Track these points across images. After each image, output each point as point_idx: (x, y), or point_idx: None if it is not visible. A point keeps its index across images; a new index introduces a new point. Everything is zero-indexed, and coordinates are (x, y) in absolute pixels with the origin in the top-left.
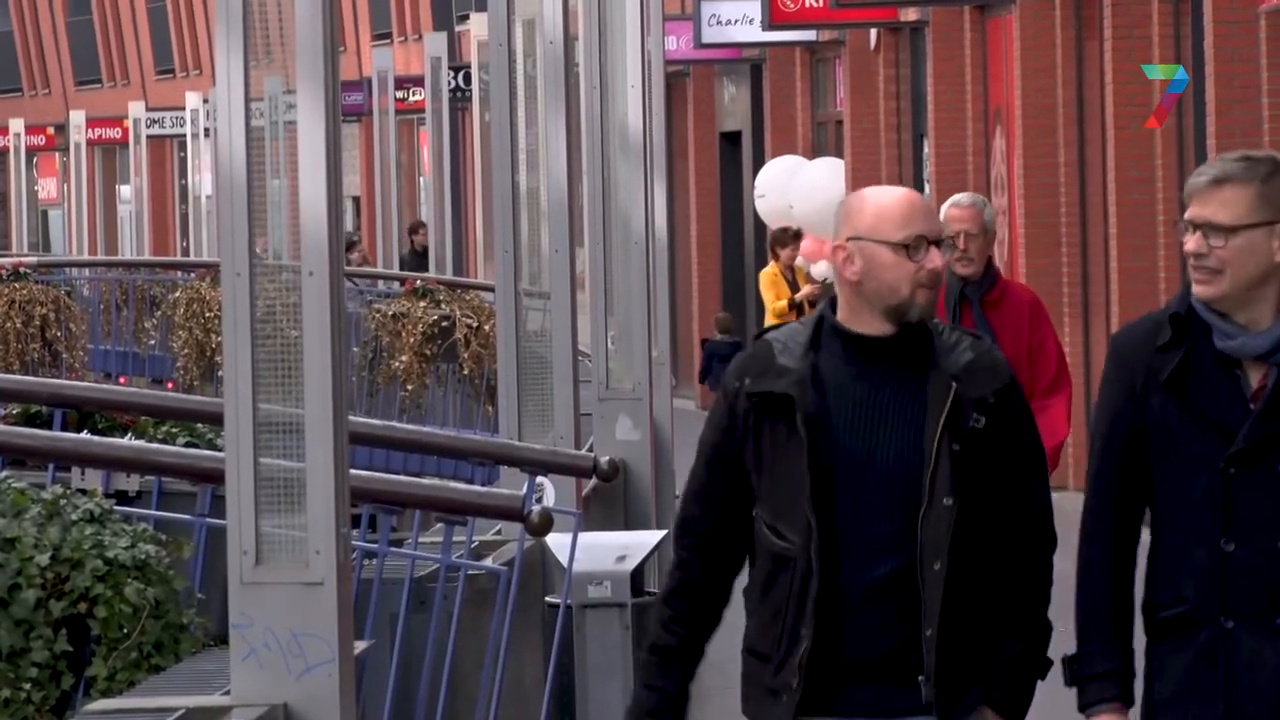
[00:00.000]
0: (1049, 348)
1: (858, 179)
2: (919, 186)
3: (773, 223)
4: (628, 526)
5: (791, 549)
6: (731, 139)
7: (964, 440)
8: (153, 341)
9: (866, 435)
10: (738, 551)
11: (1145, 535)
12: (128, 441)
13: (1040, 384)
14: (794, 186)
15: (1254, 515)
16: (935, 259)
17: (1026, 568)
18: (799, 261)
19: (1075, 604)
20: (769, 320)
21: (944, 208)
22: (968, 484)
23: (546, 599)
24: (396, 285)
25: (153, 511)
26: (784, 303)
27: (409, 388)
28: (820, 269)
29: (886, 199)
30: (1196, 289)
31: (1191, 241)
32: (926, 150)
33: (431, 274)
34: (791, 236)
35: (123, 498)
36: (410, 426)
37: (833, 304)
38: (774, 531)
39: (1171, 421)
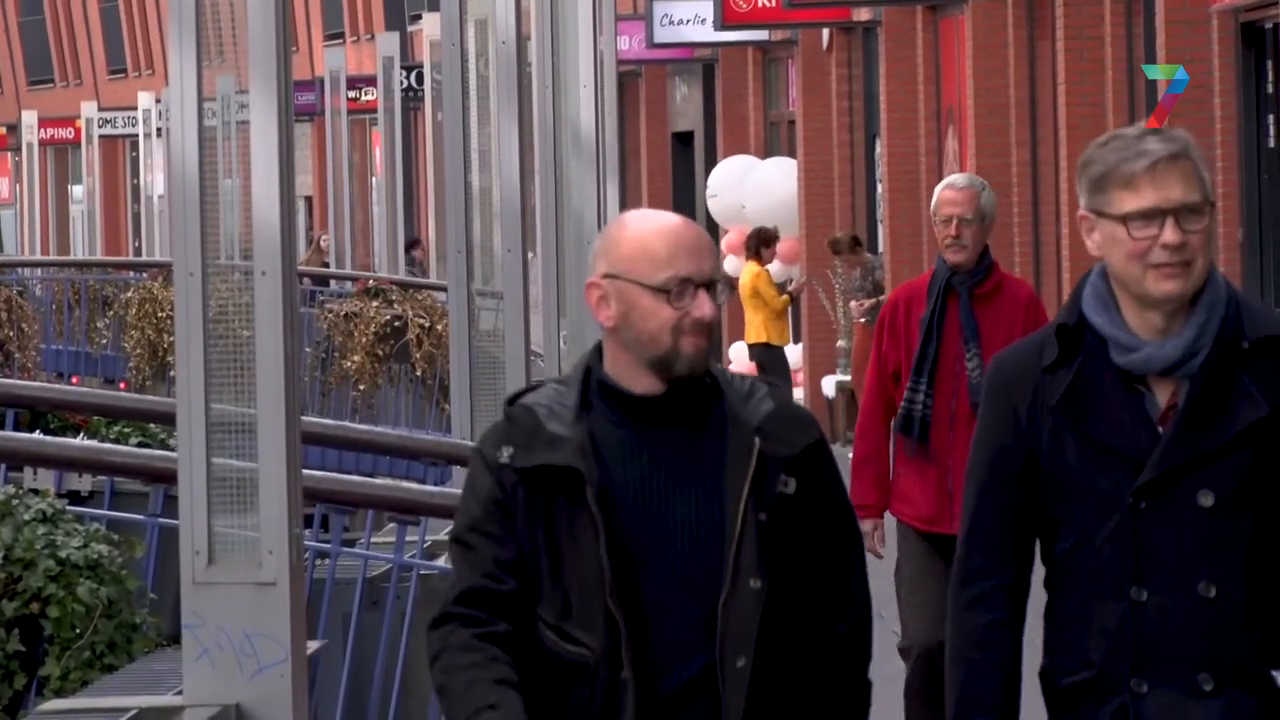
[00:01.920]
0: None
1: (810, 179)
2: (869, 186)
3: (725, 223)
4: None
5: (589, 655)
6: (684, 139)
7: (771, 508)
8: (105, 341)
9: (659, 510)
10: (520, 644)
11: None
12: (80, 441)
13: None
14: (747, 186)
15: (1169, 557)
16: (704, 306)
17: (840, 664)
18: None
19: (949, 680)
20: (760, 321)
21: (938, 189)
22: (777, 561)
23: None
24: (349, 285)
25: (105, 511)
26: (785, 298)
27: (361, 388)
28: (779, 270)
29: (647, 231)
30: (1167, 285)
31: (1170, 231)
32: (879, 150)
33: (388, 275)
34: (762, 238)
35: (75, 498)
36: (363, 426)
37: (599, 352)
38: (562, 634)
39: (1067, 453)
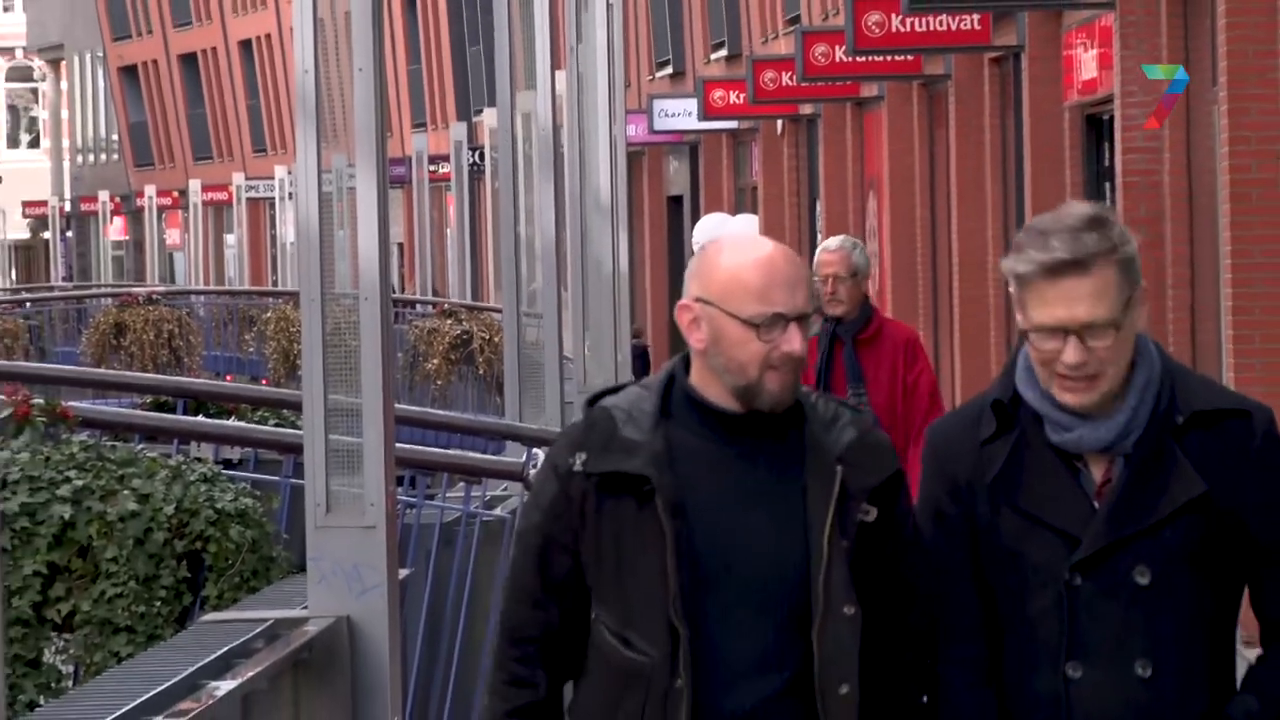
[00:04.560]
0: (921, 386)
1: (768, 229)
2: (811, 238)
3: None
4: None
5: (646, 664)
6: (676, 200)
7: (853, 537)
8: (251, 349)
9: (737, 525)
10: (578, 660)
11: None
12: (232, 423)
13: (914, 425)
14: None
15: (1104, 634)
16: (793, 340)
17: (907, 693)
18: None
19: None
20: None
21: (817, 251)
22: (863, 589)
23: None
24: (429, 308)
25: (250, 474)
26: None
27: (438, 383)
28: None
29: (743, 261)
30: (1070, 399)
31: (1073, 352)
32: (819, 209)
33: (459, 301)
34: None
35: (228, 464)
36: (439, 412)
37: (686, 362)
38: (622, 641)
39: (1003, 525)
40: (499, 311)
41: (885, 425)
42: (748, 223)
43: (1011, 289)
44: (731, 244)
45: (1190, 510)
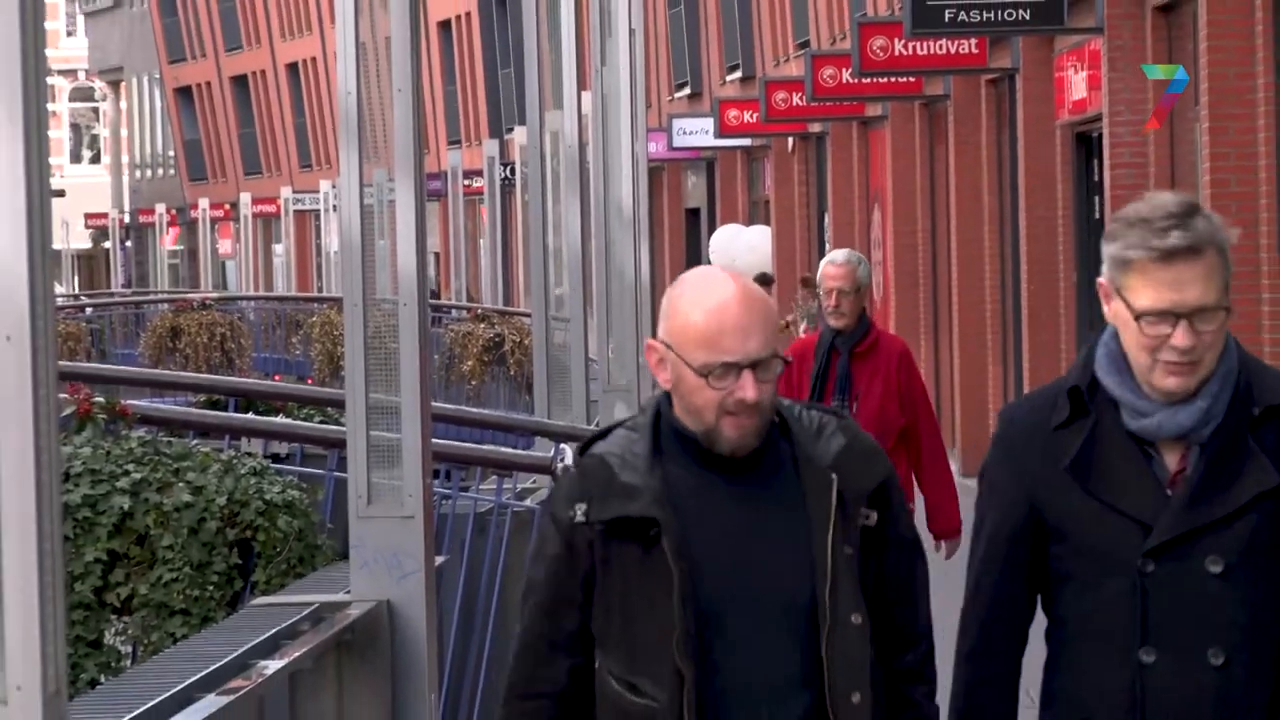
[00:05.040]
0: (918, 396)
1: (780, 239)
2: (820, 248)
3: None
4: None
5: (655, 707)
6: (693, 213)
7: (856, 543)
8: (297, 351)
9: (740, 555)
10: (589, 712)
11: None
12: (280, 420)
13: (923, 429)
14: (736, 245)
15: (1178, 620)
16: (746, 388)
17: (912, 695)
18: None
19: None
20: None
21: (823, 264)
22: (868, 596)
23: None
24: (464, 312)
25: (297, 468)
26: (782, 324)
27: (472, 383)
28: None
29: (696, 307)
30: (1172, 382)
31: (1183, 335)
32: (827, 221)
33: (492, 306)
34: (765, 279)
35: (276, 458)
36: (473, 409)
37: (669, 396)
38: (629, 687)
39: (1075, 512)
40: (529, 316)
41: (874, 434)
42: (761, 234)
43: (1105, 277)
44: (692, 285)
45: (1264, 501)
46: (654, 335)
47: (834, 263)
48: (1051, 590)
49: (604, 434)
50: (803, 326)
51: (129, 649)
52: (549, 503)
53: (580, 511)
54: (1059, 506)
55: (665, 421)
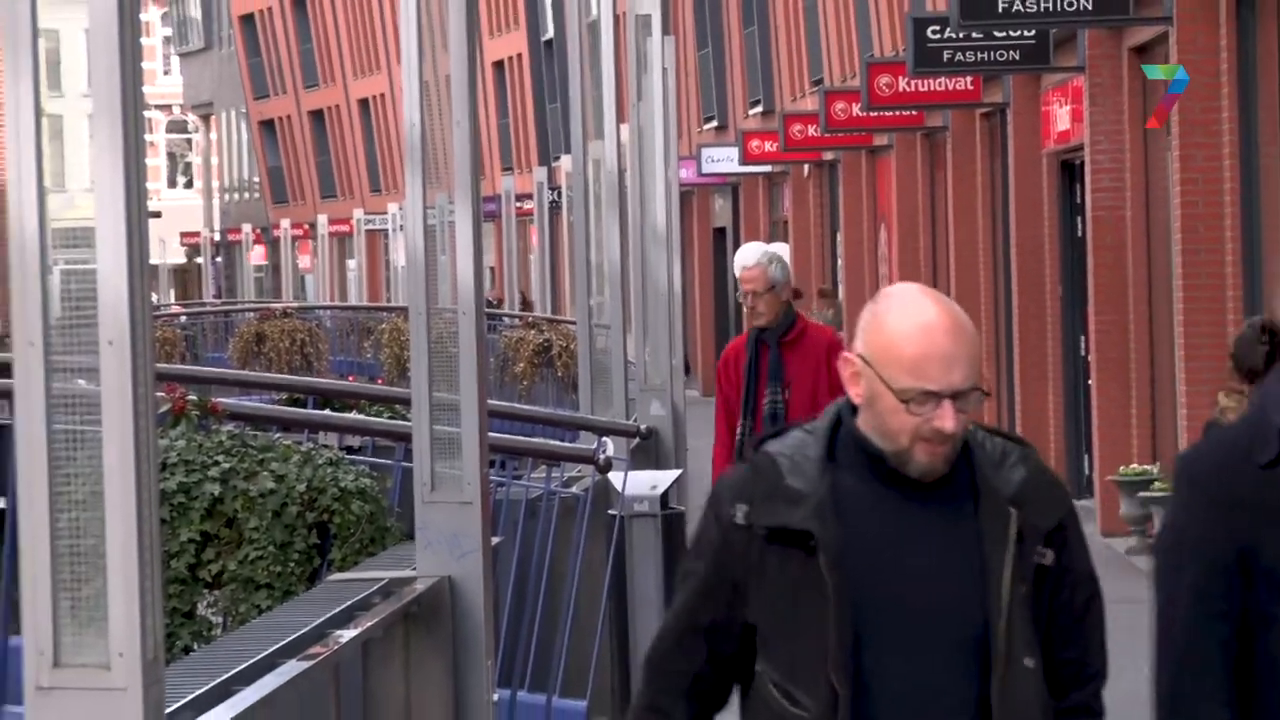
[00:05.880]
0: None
1: (798, 255)
2: (833, 263)
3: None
4: (657, 468)
5: (807, 718)
6: (720, 232)
7: (1030, 579)
8: (369, 355)
9: (904, 576)
10: (720, 699)
11: None
12: (353, 415)
13: None
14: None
15: None
16: (946, 418)
17: None
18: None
19: None
20: None
21: (737, 268)
22: (1039, 631)
23: (608, 512)
24: (517, 321)
25: (368, 458)
26: None
27: (524, 383)
28: None
29: (902, 329)
30: None
31: None
32: (838, 239)
33: (541, 314)
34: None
35: (350, 450)
36: (525, 406)
37: (852, 406)
38: (785, 695)
39: None
40: (574, 323)
41: (806, 418)
42: (781, 250)
43: None
44: (900, 305)
45: None
46: (850, 349)
47: (745, 266)
48: (1254, 629)
49: (780, 432)
50: None
51: (219, 619)
52: (712, 496)
53: (741, 514)
54: (1272, 543)
55: (845, 429)
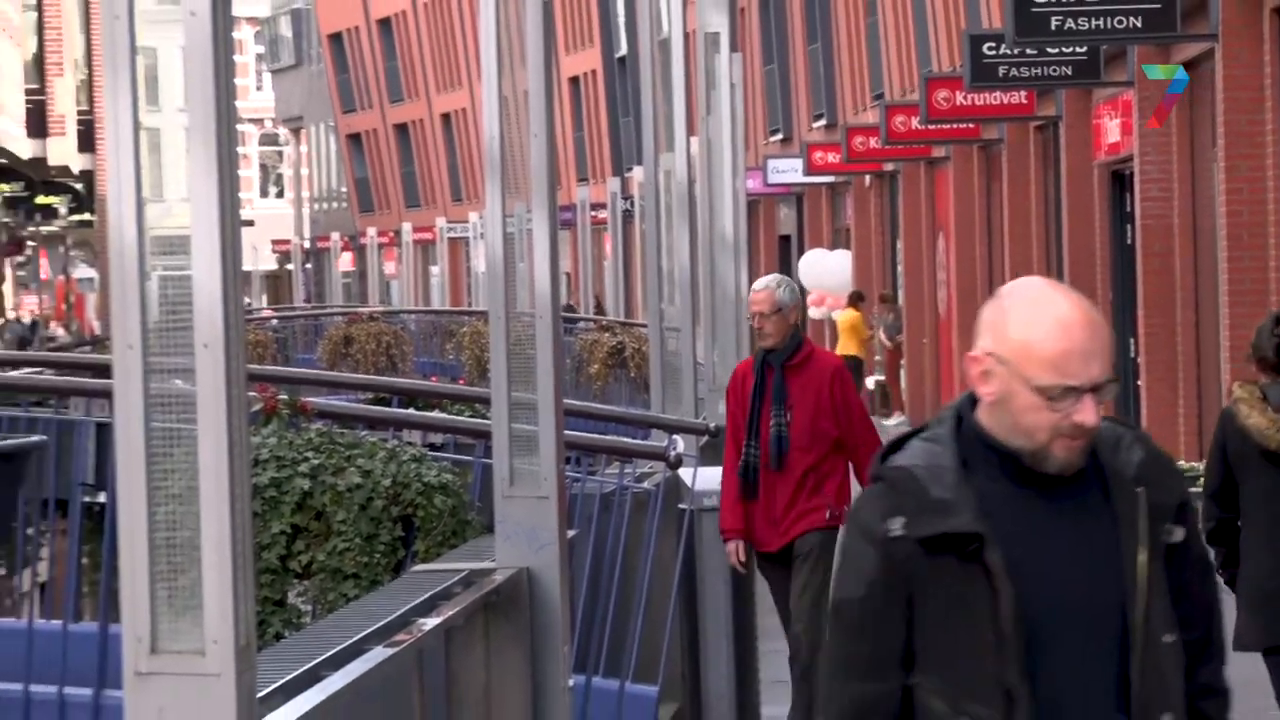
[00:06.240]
0: (854, 410)
1: (859, 262)
2: (893, 271)
3: (810, 288)
4: None
5: None
6: (785, 239)
7: (1163, 558)
8: (451, 356)
9: (1060, 571)
10: None
11: None
12: (436, 414)
13: (859, 441)
14: (822, 266)
15: None
16: (1087, 412)
17: (1210, 711)
18: (812, 311)
19: None
20: (854, 344)
21: (750, 291)
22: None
23: (679, 506)
24: (591, 324)
25: (451, 455)
26: (868, 332)
27: (598, 384)
28: (817, 312)
29: (1039, 324)
30: None
31: None
32: (898, 247)
33: (615, 318)
34: (858, 296)
35: (433, 446)
36: (599, 405)
37: (972, 401)
38: (951, 705)
39: None
40: (646, 326)
41: (805, 443)
42: (843, 257)
43: None
44: (1030, 302)
45: None
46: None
47: (755, 289)
48: None
49: (898, 445)
50: (881, 334)
51: (309, 608)
52: (855, 520)
53: (898, 525)
54: None
55: (969, 432)
